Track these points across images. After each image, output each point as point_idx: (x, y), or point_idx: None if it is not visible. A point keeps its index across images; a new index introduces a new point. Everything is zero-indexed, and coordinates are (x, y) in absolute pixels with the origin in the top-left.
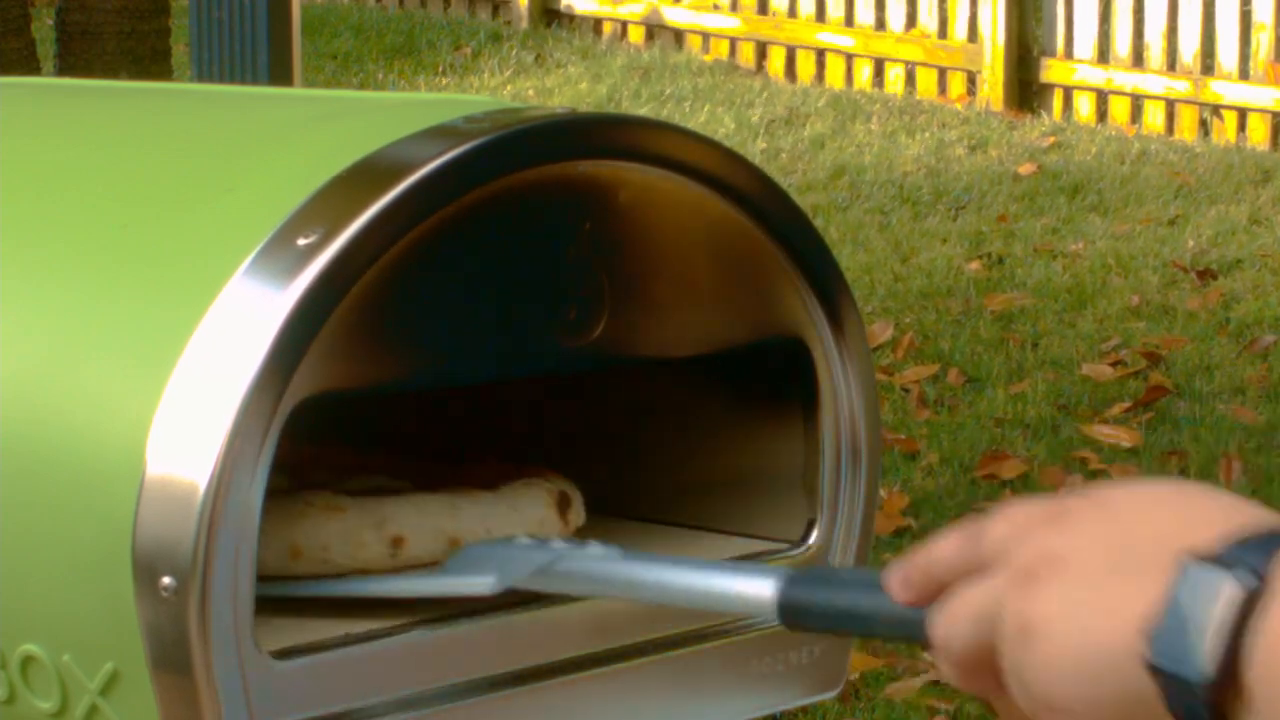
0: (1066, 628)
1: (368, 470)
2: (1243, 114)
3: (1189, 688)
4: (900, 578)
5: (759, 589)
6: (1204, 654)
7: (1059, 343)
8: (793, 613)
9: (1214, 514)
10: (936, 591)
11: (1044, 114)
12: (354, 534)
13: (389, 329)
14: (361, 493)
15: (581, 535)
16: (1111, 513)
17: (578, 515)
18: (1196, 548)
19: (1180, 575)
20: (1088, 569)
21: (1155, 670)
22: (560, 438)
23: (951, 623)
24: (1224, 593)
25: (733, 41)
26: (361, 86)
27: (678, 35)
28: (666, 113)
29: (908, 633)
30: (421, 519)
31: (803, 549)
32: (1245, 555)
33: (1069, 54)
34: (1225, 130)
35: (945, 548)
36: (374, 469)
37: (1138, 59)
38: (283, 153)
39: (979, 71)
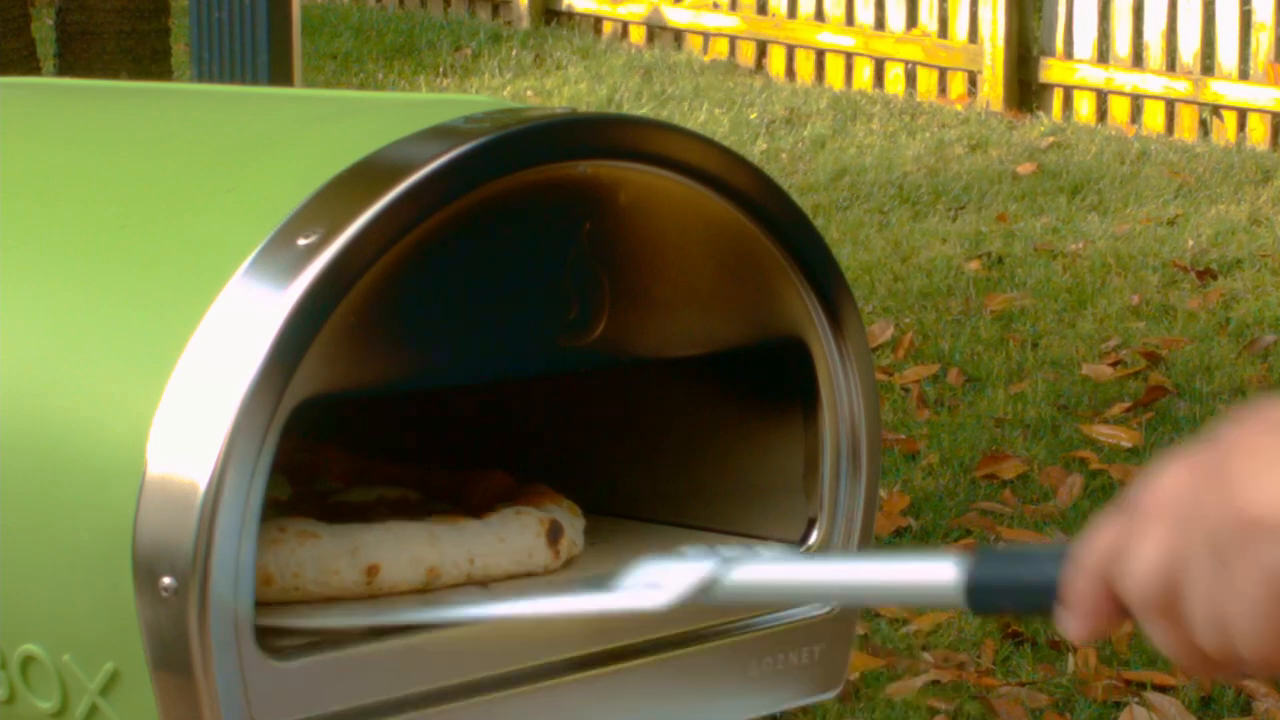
0: (1270, 456)
1: (370, 479)
2: (1243, 114)
3: None
4: (1072, 607)
5: (943, 574)
6: None
7: (1059, 343)
8: (979, 595)
9: None
10: (1115, 593)
11: (1044, 114)
12: (327, 561)
13: (389, 329)
14: (360, 504)
15: (584, 533)
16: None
17: (571, 545)
18: None
19: None
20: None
21: None
22: (560, 438)
23: (1141, 564)
24: None
25: (732, 41)
26: (361, 86)
27: (678, 35)
28: (666, 113)
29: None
30: (398, 547)
31: (803, 549)
32: None
33: (1069, 54)
34: (1225, 130)
35: (1103, 538)
36: (377, 478)
37: (1137, 59)
38: (283, 153)
39: (979, 71)
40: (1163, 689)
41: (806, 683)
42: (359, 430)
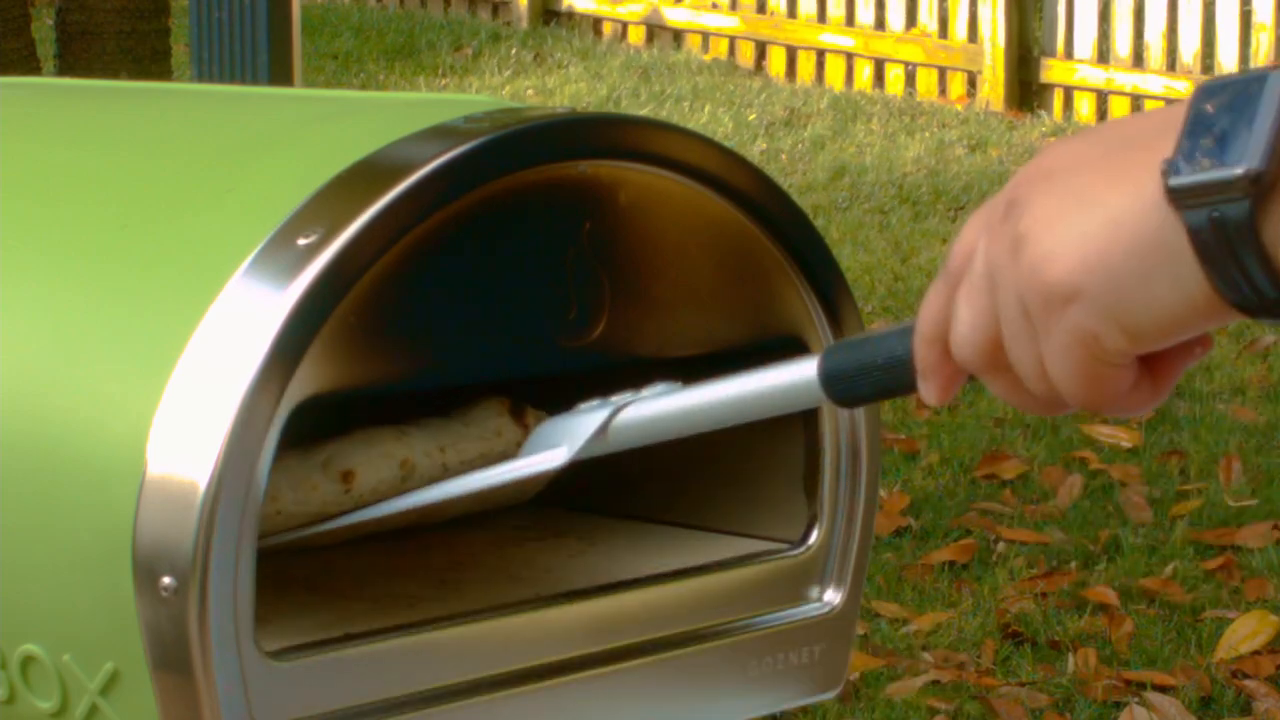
0: (1062, 207)
1: None
2: None
3: (1224, 190)
4: (922, 375)
5: (802, 371)
6: (1249, 147)
7: None
8: (837, 383)
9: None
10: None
11: (1044, 114)
12: (302, 479)
13: (389, 329)
14: None
15: (584, 534)
16: (1094, 130)
17: (536, 416)
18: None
19: (1198, 93)
20: (1083, 164)
21: (1179, 193)
22: None
23: (961, 327)
24: (1268, 87)
25: (732, 41)
26: (361, 86)
27: (677, 35)
28: (666, 113)
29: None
30: (368, 448)
31: (803, 549)
32: (1271, 74)
33: (1069, 54)
34: None
35: (930, 307)
36: None
37: (1138, 59)
38: (283, 153)
39: (979, 72)
40: (1163, 689)
41: (806, 683)
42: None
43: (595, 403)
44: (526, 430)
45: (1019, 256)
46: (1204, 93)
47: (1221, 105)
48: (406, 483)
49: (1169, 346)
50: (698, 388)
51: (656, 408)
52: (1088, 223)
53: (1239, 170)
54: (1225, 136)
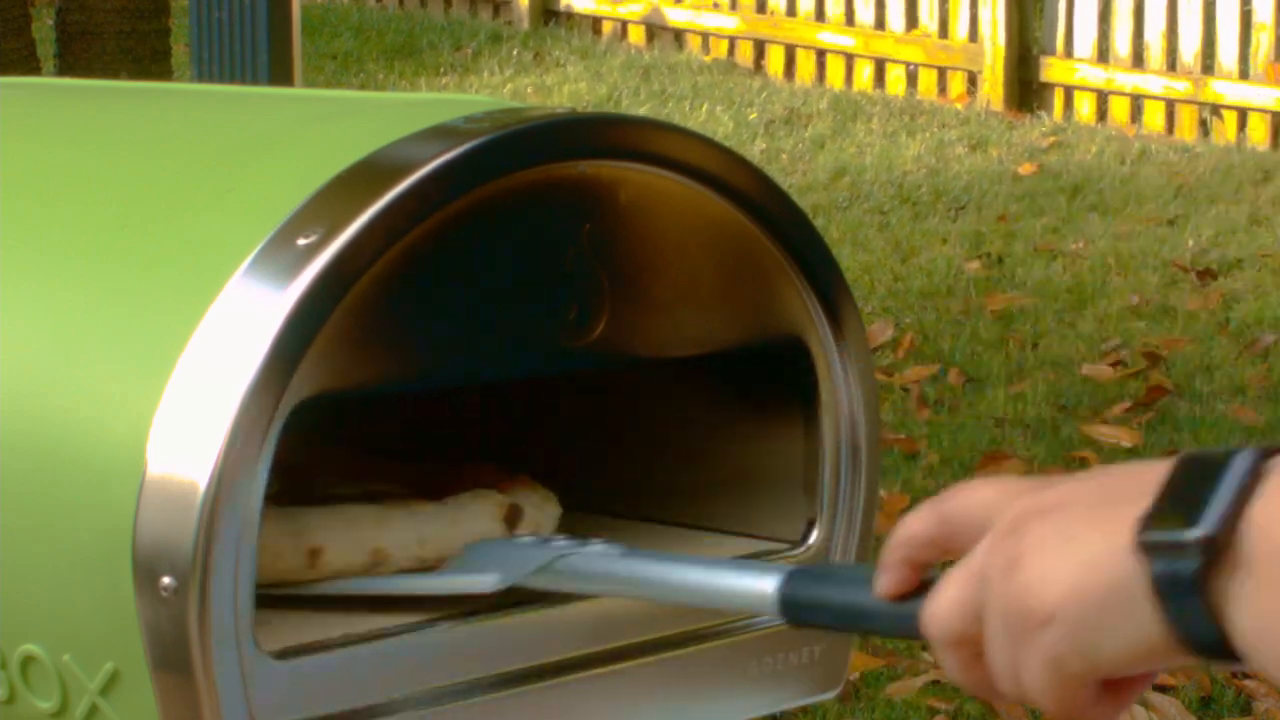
0: (1056, 541)
1: (358, 474)
2: (1243, 114)
3: (1181, 550)
4: (882, 573)
5: (761, 585)
6: (1204, 517)
7: (1059, 343)
8: (794, 609)
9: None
10: (918, 577)
11: (1044, 114)
12: (270, 543)
13: (389, 329)
14: (343, 498)
15: (583, 533)
16: (1086, 476)
17: (534, 528)
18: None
19: (1177, 464)
20: (1076, 506)
21: (1146, 547)
22: (560, 438)
23: (940, 606)
24: (1231, 468)
25: (732, 41)
26: (361, 86)
27: (677, 35)
28: (666, 113)
29: (904, 628)
30: (345, 529)
31: (803, 549)
32: (1238, 454)
33: (1069, 54)
34: (1225, 130)
35: (914, 526)
36: (365, 474)
37: (1138, 59)
38: (283, 153)
39: (979, 71)
40: (1163, 689)
41: (806, 683)
42: (358, 430)
43: (534, 540)
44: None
45: (1011, 576)
46: (1181, 462)
47: (1192, 476)
48: (375, 569)
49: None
50: (650, 559)
51: (601, 566)
52: (1071, 559)
53: (1195, 534)
54: (1190, 504)
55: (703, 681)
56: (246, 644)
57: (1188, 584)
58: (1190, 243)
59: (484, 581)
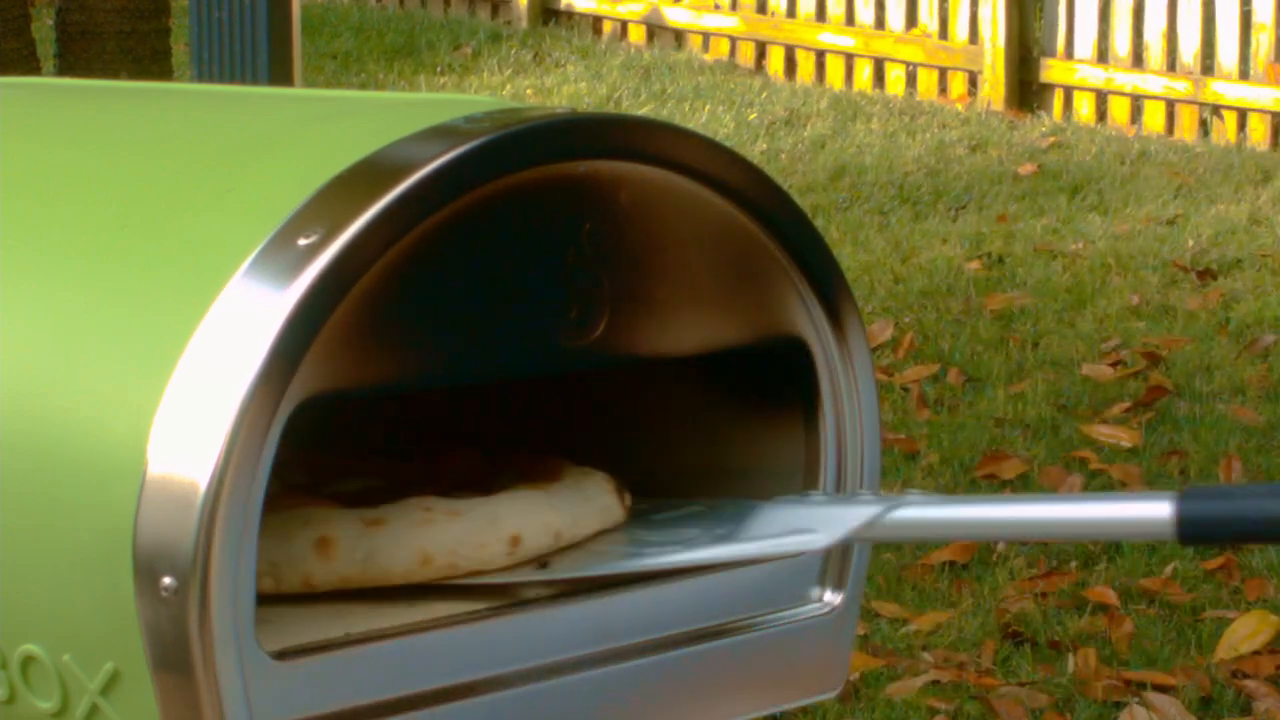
0: None
1: (348, 472)
2: (1243, 114)
3: None
4: None
5: (1154, 510)
6: None
7: (1059, 343)
8: (1195, 528)
9: None
10: None
11: (1044, 114)
12: (475, 535)
13: (389, 329)
14: (347, 495)
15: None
16: None
17: (628, 499)
18: None
19: None
20: None
21: None
22: (560, 438)
23: None
24: None
25: (732, 41)
26: (361, 86)
27: (677, 35)
28: (666, 112)
29: None
30: (532, 516)
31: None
32: None
33: (1069, 54)
34: (1225, 130)
35: None
36: (353, 471)
37: (1138, 59)
38: (283, 153)
39: (979, 72)
40: (1163, 689)
41: (806, 683)
42: (344, 427)
43: (828, 497)
44: (626, 510)
45: None
46: None
47: None
48: (549, 553)
49: None
50: (1006, 502)
51: (949, 513)
52: None
53: None
54: None
55: (703, 681)
56: (246, 644)
57: None
58: (1190, 243)
59: (814, 539)
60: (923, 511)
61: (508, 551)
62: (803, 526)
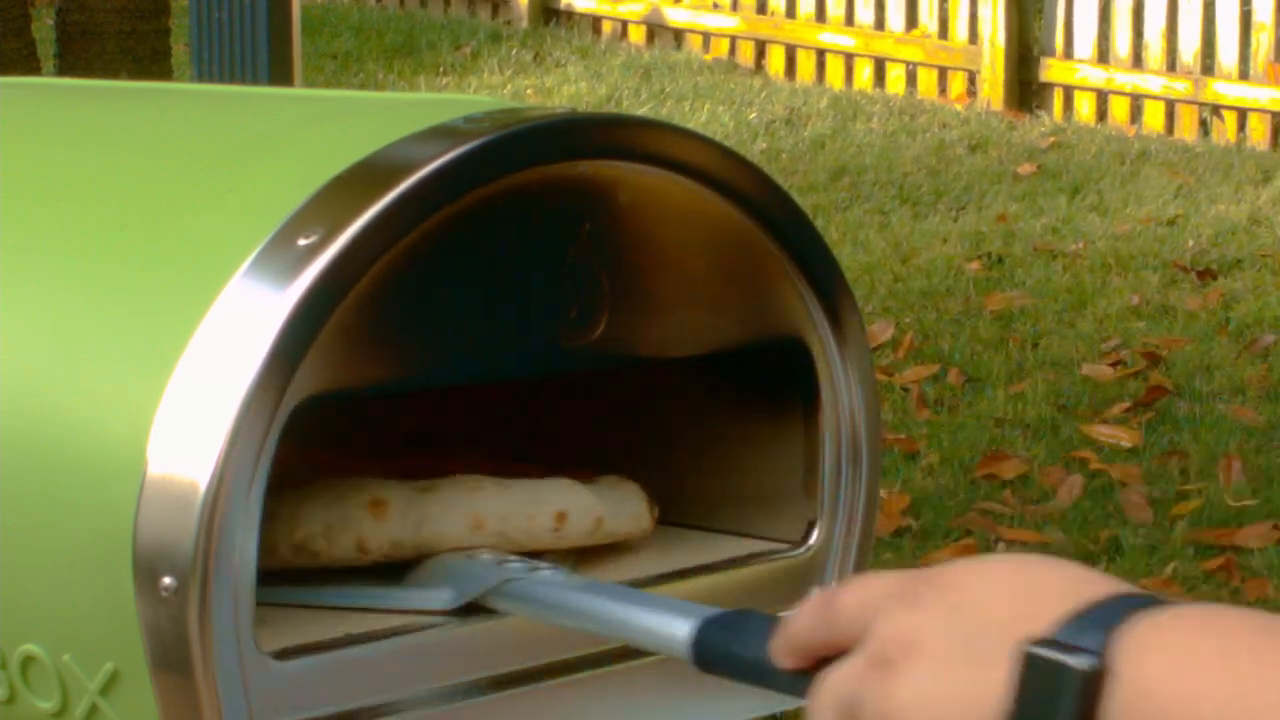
0: (918, 712)
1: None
2: (1243, 114)
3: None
4: (778, 646)
5: (675, 629)
6: None
7: (1059, 343)
8: (704, 658)
9: (1053, 592)
10: (812, 658)
11: (1044, 114)
12: (524, 506)
13: (389, 329)
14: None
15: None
16: (957, 596)
17: (656, 513)
18: (1034, 633)
19: (1022, 666)
20: (938, 657)
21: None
22: (559, 438)
23: (819, 704)
24: (1066, 679)
25: (732, 41)
26: (361, 86)
27: (677, 35)
28: (666, 112)
29: (799, 696)
30: (576, 498)
31: (803, 549)
32: (1083, 636)
33: (1069, 54)
34: (1225, 130)
35: (802, 618)
36: (354, 469)
37: (1137, 59)
38: (283, 153)
39: (979, 71)
40: None
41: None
42: (346, 426)
43: (491, 558)
44: (654, 523)
45: (881, 684)
46: (1024, 666)
47: (1034, 689)
48: (591, 539)
49: None
50: (588, 592)
51: (545, 594)
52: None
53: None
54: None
55: (703, 681)
56: (246, 644)
57: None
58: (1190, 243)
59: (439, 598)
60: (530, 591)
61: (553, 527)
62: (439, 582)
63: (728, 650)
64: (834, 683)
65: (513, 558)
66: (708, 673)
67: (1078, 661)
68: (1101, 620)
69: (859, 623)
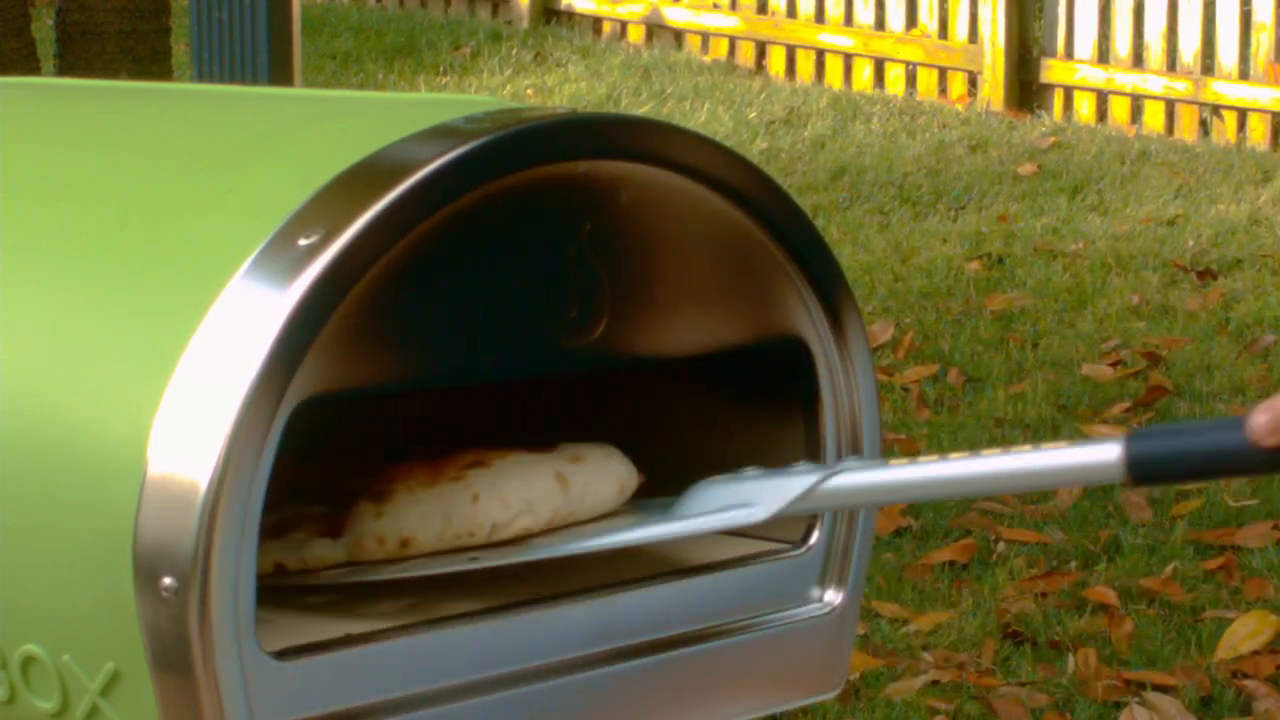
0: None
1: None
2: (1243, 114)
3: None
4: (1265, 423)
5: (1104, 454)
6: None
7: (1059, 343)
8: (1143, 468)
9: None
10: None
11: (1044, 114)
12: (538, 483)
13: (389, 329)
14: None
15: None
16: None
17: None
18: None
19: None
20: None
21: None
22: (559, 437)
23: None
24: None
25: (732, 41)
26: (361, 86)
27: (677, 35)
28: (666, 112)
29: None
30: (602, 474)
31: (803, 549)
32: None
33: (1069, 54)
34: (1225, 130)
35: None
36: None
37: (1138, 59)
38: (283, 153)
39: (979, 72)
40: (1163, 689)
41: (806, 683)
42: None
43: (762, 471)
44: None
45: None
46: None
47: None
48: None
49: None
50: (947, 462)
51: (889, 476)
52: None
53: None
54: None
55: (703, 681)
56: (247, 644)
57: None
58: (1190, 243)
59: (753, 513)
60: (861, 477)
61: (618, 491)
62: (740, 501)
63: (1173, 449)
64: None
65: (796, 464)
66: (1148, 484)
67: None
68: None
69: None
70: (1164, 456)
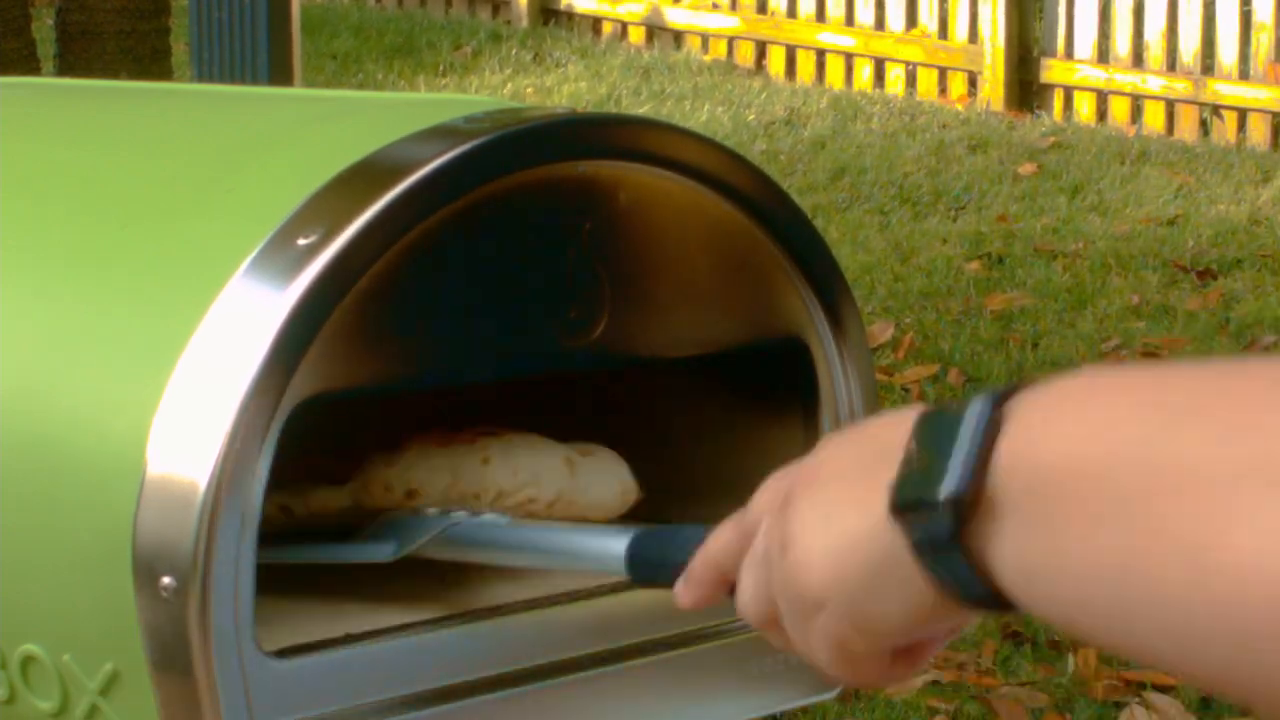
0: (815, 519)
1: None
2: (1243, 114)
3: (933, 511)
4: (685, 581)
5: (612, 546)
6: (949, 474)
7: (1059, 343)
8: (639, 570)
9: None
10: (726, 581)
11: (1044, 114)
12: (548, 460)
13: (389, 329)
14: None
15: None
16: (851, 437)
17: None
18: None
19: (919, 423)
20: (833, 481)
21: (899, 511)
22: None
23: (742, 595)
24: (967, 418)
25: (732, 41)
26: (361, 86)
27: (677, 35)
28: (666, 112)
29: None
30: (607, 468)
31: None
32: (977, 403)
33: (1069, 54)
34: (1225, 130)
35: (720, 537)
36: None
37: (1138, 59)
38: (283, 153)
39: (979, 72)
40: (1163, 689)
41: (806, 683)
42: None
43: (435, 512)
44: (640, 491)
45: (785, 556)
46: (922, 420)
47: (933, 432)
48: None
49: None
50: (528, 528)
51: (486, 535)
52: (832, 538)
53: (943, 494)
54: (934, 463)
55: (703, 681)
56: (246, 644)
57: (946, 543)
58: (1190, 243)
59: (381, 550)
60: (471, 534)
61: (620, 493)
62: (388, 538)
63: (661, 560)
64: (749, 557)
65: (458, 509)
66: (643, 585)
67: (974, 411)
68: (989, 396)
69: (759, 511)
70: (653, 562)
